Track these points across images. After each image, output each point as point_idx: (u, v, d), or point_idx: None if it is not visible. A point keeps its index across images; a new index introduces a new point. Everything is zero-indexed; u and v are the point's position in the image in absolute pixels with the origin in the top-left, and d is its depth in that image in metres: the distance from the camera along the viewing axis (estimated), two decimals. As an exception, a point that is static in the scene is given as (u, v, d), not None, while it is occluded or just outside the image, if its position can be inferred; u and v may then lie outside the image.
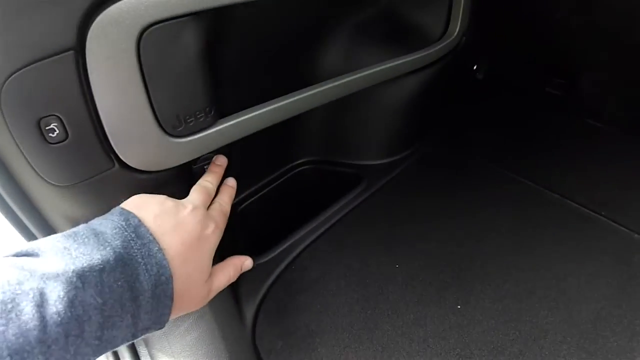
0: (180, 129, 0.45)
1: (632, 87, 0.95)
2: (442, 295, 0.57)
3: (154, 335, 0.54)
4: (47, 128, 0.37)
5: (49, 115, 0.36)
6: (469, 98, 1.08)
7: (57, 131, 0.37)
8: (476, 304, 0.56)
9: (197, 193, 0.46)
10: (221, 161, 0.53)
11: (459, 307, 0.54)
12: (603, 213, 0.73)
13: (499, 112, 1.10)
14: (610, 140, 0.97)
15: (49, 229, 0.45)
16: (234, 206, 0.72)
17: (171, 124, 0.44)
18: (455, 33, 0.77)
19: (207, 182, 0.49)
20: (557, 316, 0.55)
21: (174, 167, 0.47)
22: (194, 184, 0.51)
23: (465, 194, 0.78)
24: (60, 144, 0.38)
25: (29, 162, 0.38)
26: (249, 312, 0.57)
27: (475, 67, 1.02)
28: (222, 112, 0.50)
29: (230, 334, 0.53)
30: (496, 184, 0.80)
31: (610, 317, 0.55)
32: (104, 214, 0.41)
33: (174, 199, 0.42)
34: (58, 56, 0.34)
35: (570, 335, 0.53)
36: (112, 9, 0.35)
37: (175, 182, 0.51)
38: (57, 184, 0.40)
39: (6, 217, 0.43)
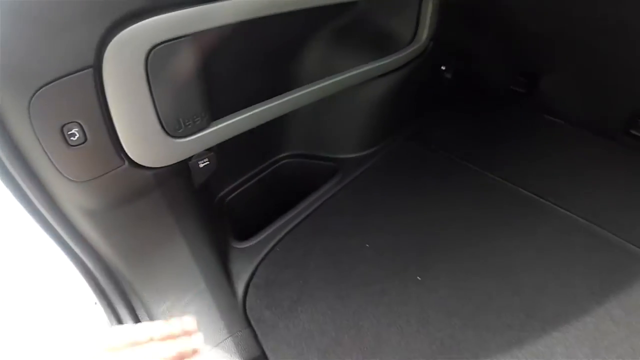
0: (181, 130, 0.52)
1: (587, 86, 1.07)
2: (405, 269, 0.67)
3: (159, 309, 0.62)
4: (69, 133, 0.44)
5: (71, 122, 0.43)
6: (437, 96, 1.18)
7: (78, 135, 0.44)
8: (434, 277, 0.66)
9: None
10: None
11: (419, 278, 0.65)
12: (550, 199, 0.85)
13: (466, 108, 1.21)
14: (566, 134, 1.10)
15: (65, 220, 0.52)
16: (223, 197, 0.81)
17: (173, 126, 0.51)
18: (424, 38, 0.86)
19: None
20: (504, 286, 0.66)
21: (174, 164, 0.55)
22: (191, 177, 0.59)
23: (430, 184, 0.88)
24: (80, 146, 0.45)
25: (52, 162, 0.45)
26: (240, 288, 0.65)
27: (444, 68, 1.12)
28: (216, 114, 0.57)
29: (224, 306, 0.62)
30: (458, 175, 0.90)
31: (551, 287, 0.66)
32: (114, 205, 0.49)
33: None
34: (79, 73, 0.41)
35: (514, 301, 0.64)
36: (124, 33, 0.42)
37: (174, 176, 0.59)
38: (75, 179, 0.47)
39: (27, 210, 0.50)
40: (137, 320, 0.61)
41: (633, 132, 1.01)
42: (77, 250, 0.56)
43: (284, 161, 0.88)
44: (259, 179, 0.82)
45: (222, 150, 0.64)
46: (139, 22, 0.43)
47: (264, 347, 0.57)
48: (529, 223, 0.77)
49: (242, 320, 0.60)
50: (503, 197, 0.83)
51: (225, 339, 0.57)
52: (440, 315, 0.60)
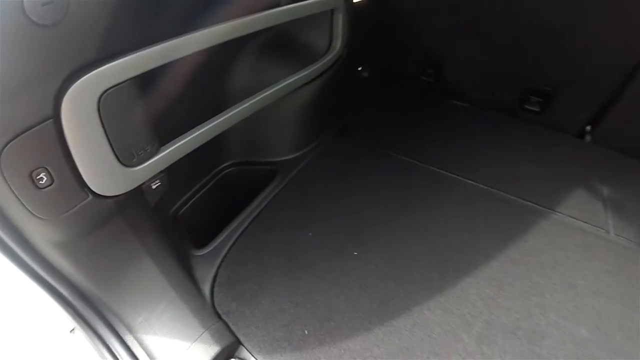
0: (135, 160, 0.61)
1: (486, 72, 1.29)
2: (344, 248, 0.81)
3: (136, 322, 0.70)
4: (37, 177, 0.50)
5: (38, 168, 0.50)
6: (358, 94, 1.35)
7: (45, 178, 0.51)
8: (368, 251, 0.81)
9: None
10: None
11: (355, 254, 0.80)
12: (455, 172, 1.05)
13: (383, 101, 1.39)
14: (470, 114, 1.33)
15: (38, 255, 0.58)
16: (175, 212, 0.89)
17: (127, 158, 0.59)
18: (338, 47, 1.00)
19: None
20: (424, 249, 0.83)
21: (131, 190, 0.63)
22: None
23: (358, 173, 1.03)
24: (48, 187, 0.52)
25: (22, 204, 0.51)
26: (206, 290, 0.75)
27: (360, 68, 1.28)
28: (164, 140, 0.66)
29: (195, 307, 0.71)
30: (381, 161, 1.07)
31: (461, 244, 0.84)
32: (82, 235, 0.57)
33: None
34: (41, 125, 0.48)
35: (433, 260, 0.81)
36: (76, 85, 0.49)
37: (132, 200, 0.67)
38: (46, 217, 0.54)
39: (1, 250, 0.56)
40: (118, 336, 0.68)
41: (527, 106, 1.27)
42: (51, 281, 0.62)
43: (226, 171, 0.97)
44: (206, 190, 0.91)
45: (169, 170, 0.73)
46: (88, 73, 0.50)
47: (237, 333, 0.68)
48: (440, 195, 0.96)
49: (213, 315, 0.70)
50: (419, 176, 1.02)
51: (202, 333, 0.67)
52: (377, 280, 0.76)
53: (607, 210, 0.94)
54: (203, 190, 0.90)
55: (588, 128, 1.21)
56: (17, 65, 0.44)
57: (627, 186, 1.03)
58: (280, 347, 0.66)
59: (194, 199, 0.87)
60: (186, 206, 0.85)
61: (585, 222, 0.90)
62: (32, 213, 0.52)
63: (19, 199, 0.50)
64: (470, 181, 1.02)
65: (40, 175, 0.50)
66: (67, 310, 0.66)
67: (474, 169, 1.05)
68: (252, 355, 0.67)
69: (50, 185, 0.52)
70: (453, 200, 0.96)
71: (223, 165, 0.97)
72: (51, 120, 0.49)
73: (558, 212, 0.92)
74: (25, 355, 0.84)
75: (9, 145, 0.46)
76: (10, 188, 0.49)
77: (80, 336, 0.88)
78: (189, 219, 0.86)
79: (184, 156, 0.71)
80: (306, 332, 0.67)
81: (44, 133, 0.49)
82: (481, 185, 1.00)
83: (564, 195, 0.97)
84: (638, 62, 1.00)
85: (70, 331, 0.86)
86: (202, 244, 0.81)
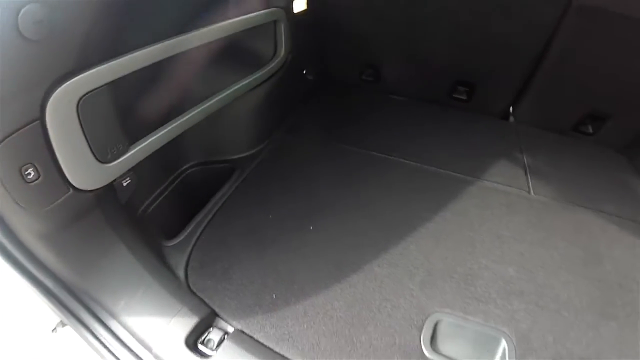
0: (109, 157, 0.72)
1: (417, 69, 1.50)
2: (301, 225, 0.96)
3: (118, 307, 0.78)
4: (26, 172, 0.61)
5: (27, 164, 0.60)
6: (304, 94, 1.52)
7: (33, 174, 0.61)
8: (322, 226, 0.96)
9: None
10: None
11: (311, 228, 0.94)
12: (394, 155, 1.23)
13: (329, 99, 1.57)
14: (406, 106, 1.54)
15: (23, 248, 0.67)
16: (145, 210, 0.99)
17: (103, 155, 0.70)
18: (282, 54, 1.16)
19: None
20: (370, 218, 0.98)
21: (106, 185, 0.74)
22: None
23: (308, 163, 1.18)
24: (35, 182, 0.62)
25: (12, 197, 0.61)
26: (181, 273, 0.84)
27: (305, 72, 1.45)
28: (133, 139, 0.78)
29: (172, 288, 0.80)
30: (329, 152, 1.23)
31: (398, 212, 1.01)
32: (64, 226, 0.67)
33: None
34: (29, 126, 0.59)
35: (377, 227, 0.96)
36: (58, 91, 0.60)
37: (107, 197, 0.77)
38: (32, 209, 0.63)
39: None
40: (101, 322, 0.77)
41: (455, 96, 1.50)
42: (36, 273, 0.70)
43: (188, 171, 1.08)
44: (171, 190, 1.02)
45: (138, 172, 0.84)
46: (68, 81, 0.62)
47: (212, 306, 0.79)
48: (382, 175, 1.15)
49: (189, 293, 0.80)
50: (363, 161, 1.19)
51: (180, 309, 0.77)
52: (331, 247, 0.91)
53: (527, 174, 1.17)
54: (169, 190, 1.00)
55: (511, 110, 1.46)
56: (9, 74, 0.55)
57: (544, 154, 1.27)
58: (252, 312, 0.78)
59: (161, 198, 0.97)
60: (154, 204, 0.95)
61: (508, 186, 1.11)
62: (20, 205, 0.62)
63: (8, 192, 0.60)
64: (408, 161, 1.22)
65: (29, 171, 0.61)
66: (52, 302, 0.74)
67: (411, 151, 1.25)
68: (228, 323, 0.78)
69: (37, 179, 0.62)
70: (394, 179, 1.14)
71: (185, 167, 1.08)
72: (38, 121, 0.60)
73: (484, 179, 1.13)
74: (9, 356, 0.90)
75: (2, 144, 0.57)
76: (2, 182, 0.59)
77: (63, 334, 0.95)
78: (158, 215, 0.95)
79: (151, 160, 0.83)
80: (274, 296, 0.80)
81: (31, 133, 0.60)
82: (418, 164, 1.20)
83: (489, 165, 1.18)
84: (542, 49, 1.24)
85: (52, 330, 0.93)
86: (172, 236, 0.92)
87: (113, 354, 0.75)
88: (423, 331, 0.77)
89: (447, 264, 0.88)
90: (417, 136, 1.32)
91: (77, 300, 0.76)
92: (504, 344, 0.77)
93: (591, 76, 1.25)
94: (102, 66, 0.66)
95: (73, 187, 0.67)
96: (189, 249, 0.89)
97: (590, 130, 1.36)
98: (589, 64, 1.23)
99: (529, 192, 1.10)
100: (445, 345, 0.78)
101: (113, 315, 0.77)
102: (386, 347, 0.75)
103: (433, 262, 0.88)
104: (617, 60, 1.19)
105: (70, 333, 0.99)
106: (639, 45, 1.14)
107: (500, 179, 1.14)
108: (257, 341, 0.75)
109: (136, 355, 0.74)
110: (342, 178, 1.12)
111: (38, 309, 0.92)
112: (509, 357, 0.75)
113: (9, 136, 0.57)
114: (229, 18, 0.93)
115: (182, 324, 0.76)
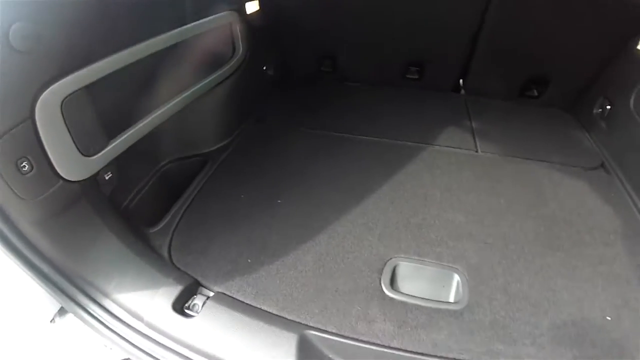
0: (91, 150, 0.87)
1: (370, 56, 1.69)
2: (271, 200, 1.10)
3: (110, 287, 0.92)
4: (21, 165, 0.75)
5: (22, 157, 0.75)
6: (267, 87, 1.70)
7: (27, 166, 0.76)
8: (290, 198, 1.11)
9: None
10: None
11: (279, 201, 1.09)
12: (355, 132, 1.39)
13: (290, 90, 1.75)
14: (362, 91, 1.73)
15: (21, 235, 0.81)
16: (129, 202, 1.14)
17: (85, 148, 0.85)
18: (240, 52, 1.33)
19: None
20: (332, 186, 1.14)
21: (91, 177, 0.89)
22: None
23: (275, 147, 1.34)
24: (29, 173, 0.76)
25: (9, 187, 0.75)
26: (164, 252, 0.97)
27: (265, 68, 1.62)
28: (112, 135, 0.93)
29: (157, 266, 0.93)
30: (293, 135, 1.40)
31: (359, 180, 1.17)
32: (56, 213, 0.82)
33: None
34: (22, 124, 0.74)
35: (338, 192, 1.12)
36: (45, 93, 0.74)
37: (93, 189, 0.92)
38: (27, 198, 0.78)
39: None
40: (95, 302, 0.90)
41: (408, 76, 1.69)
42: (34, 259, 0.84)
43: (166, 167, 1.23)
44: (152, 184, 1.17)
45: (120, 170, 1.00)
46: (52, 85, 0.76)
47: (194, 276, 0.91)
48: (343, 152, 1.32)
49: (174, 268, 0.93)
50: (326, 142, 1.37)
51: (165, 282, 0.90)
52: (298, 214, 1.07)
53: (474, 137, 1.35)
54: (149, 184, 1.14)
55: (461, 82, 1.66)
56: (3, 81, 0.70)
57: (491, 118, 1.46)
58: (230, 277, 0.92)
59: (143, 191, 1.11)
60: (137, 197, 1.10)
61: (457, 148, 1.29)
62: (17, 195, 0.76)
63: (7, 183, 0.74)
64: (367, 137, 1.40)
65: (24, 164, 0.75)
66: (49, 286, 0.87)
67: (370, 129, 1.43)
68: (210, 290, 0.92)
69: (31, 171, 0.76)
70: (354, 154, 1.32)
71: (163, 163, 1.23)
72: (29, 119, 0.74)
73: (435, 144, 1.30)
74: (8, 347, 1.02)
75: (1, 140, 0.72)
76: (1, 174, 0.73)
77: (61, 325, 1.09)
78: (142, 207, 1.09)
79: (132, 158, 0.98)
80: (249, 260, 0.94)
81: (25, 130, 0.74)
82: (376, 139, 1.38)
83: (439, 133, 1.37)
84: (479, 23, 1.43)
85: (51, 321, 1.06)
86: (155, 222, 1.07)
87: (109, 328, 0.88)
88: (383, 274, 0.92)
89: (401, 217, 1.04)
90: (376, 116, 1.50)
91: (72, 284, 0.89)
92: (457, 278, 0.92)
93: (527, 43, 1.44)
94: (80, 71, 0.81)
95: (62, 178, 0.82)
96: (171, 232, 1.04)
97: (536, 94, 1.55)
98: (523, 32, 1.42)
99: (476, 151, 1.28)
100: (404, 284, 0.93)
101: (106, 295, 0.90)
102: (350, 292, 0.89)
103: (389, 217, 1.04)
104: (548, 25, 1.38)
105: (68, 323, 1.13)
106: (567, 10, 1.33)
107: (450, 142, 1.32)
108: (237, 299, 0.89)
109: (129, 326, 0.86)
110: (308, 157, 1.28)
111: (36, 301, 1.06)
112: (462, 289, 0.91)
113: (6, 133, 0.71)
114: (186, 23, 1.10)
115: (168, 294, 0.89)
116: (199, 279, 0.94)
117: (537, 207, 1.11)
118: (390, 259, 0.95)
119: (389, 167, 1.21)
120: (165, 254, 1.00)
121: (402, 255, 0.96)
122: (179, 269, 0.96)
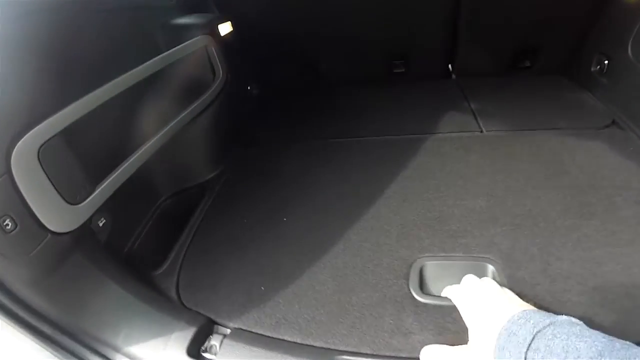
0: (78, 197, 0.84)
1: (353, 57, 1.70)
2: (274, 220, 1.07)
3: (119, 340, 0.87)
4: (4, 224, 0.72)
5: (3, 216, 0.72)
6: (254, 108, 1.70)
7: (10, 224, 0.73)
8: (294, 214, 1.08)
9: None
10: None
11: (285, 219, 1.06)
12: (350, 136, 1.37)
13: (278, 106, 1.76)
14: (353, 93, 1.74)
15: (14, 297, 0.77)
16: (132, 245, 1.10)
17: (71, 197, 0.82)
18: (221, 74, 1.32)
19: None
20: (340, 198, 1.11)
21: (83, 226, 0.85)
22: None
23: (268, 167, 1.32)
24: (14, 231, 0.73)
25: None
26: (173, 294, 0.93)
27: (249, 87, 1.62)
28: (97, 179, 0.90)
29: (167, 309, 0.88)
30: (289, 153, 1.37)
31: (365, 184, 1.13)
32: (49, 270, 0.78)
33: None
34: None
35: (348, 203, 1.08)
36: (19, 145, 0.72)
37: (86, 238, 0.89)
38: (15, 257, 0.74)
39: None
40: (105, 358, 0.85)
41: (395, 70, 1.69)
42: (32, 321, 0.80)
43: (163, 204, 1.22)
44: (151, 224, 1.14)
45: (116, 213, 0.96)
46: (24, 135, 0.74)
47: (208, 315, 0.87)
48: (341, 156, 1.31)
49: (184, 309, 0.89)
50: (321, 149, 1.37)
51: (177, 325, 0.85)
52: (305, 231, 1.03)
53: (476, 117, 1.32)
54: (149, 224, 1.12)
55: (450, 67, 1.65)
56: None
57: (488, 96, 1.45)
58: (246, 309, 0.87)
59: (144, 233, 1.09)
60: (139, 240, 1.07)
61: (461, 132, 1.26)
62: (4, 255, 0.73)
63: (-11, 244, 0.71)
64: (364, 138, 1.38)
65: (6, 222, 0.72)
66: (53, 348, 0.83)
67: (365, 128, 1.42)
68: (226, 327, 0.87)
69: (15, 229, 0.73)
70: (353, 156, 1.30)
71: (160, 201, 1.21)
72: (6, 175, 0.72)
73: (437, 132, 1.27)
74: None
75: (-21, 199, 0.69)
76: (-18, 234, 0.70)
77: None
78: (144, 249, 1.06)
79: (126, 200, 0.95)
80: (263, 288, 0.90)
81: (2, 186, 0.71)
82: (374, 138, 1.36)
83: (438, 119, 1.35)
84: (454, 10, 1.43)
85: None
86: (159, 264, 1.03)
87: (122, 384, 0.83)
88: (410, 279, 0.87)
89: (417, 214, 0.99)
90: (369, 115, 1.50)
91: (78, 342, 0.84)
92: (491, 268, 0.87)
93: (509, 13, 1.43)
94: (54, 116, 0.79)
95: (50, 231, 0.78)
96: (177, 271, 1.00)
97: (528, 64, 1.54)
98: (503, 2, 1.41)
99: (481, 131, 1.25)
100: (436, 286, 0.87)
101: (116, 349, 0.86)
102: (378, 304, 0.84)
103: (404, 216, 1.00)
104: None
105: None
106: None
107: (451, 127, 1.30)
108: (256, 333, 0.84)
109: (144, 378, 0.83)
110: (304, 168, 1.27)
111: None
112: (499, 279, 0.84)
113: (-18, 193, 0.69)
114: (160, 53, 1.08)
115: (181, 338, 0.84)
116: (213, 317, 0.89)
117: (558, 177, 1.06)
118: (415, 260, 0.90)
119: (392, 164, 1.18)
120: (174, 296, 0.95)
121: (427, 255, 0.91)
122: (190, 309, 0.92)
